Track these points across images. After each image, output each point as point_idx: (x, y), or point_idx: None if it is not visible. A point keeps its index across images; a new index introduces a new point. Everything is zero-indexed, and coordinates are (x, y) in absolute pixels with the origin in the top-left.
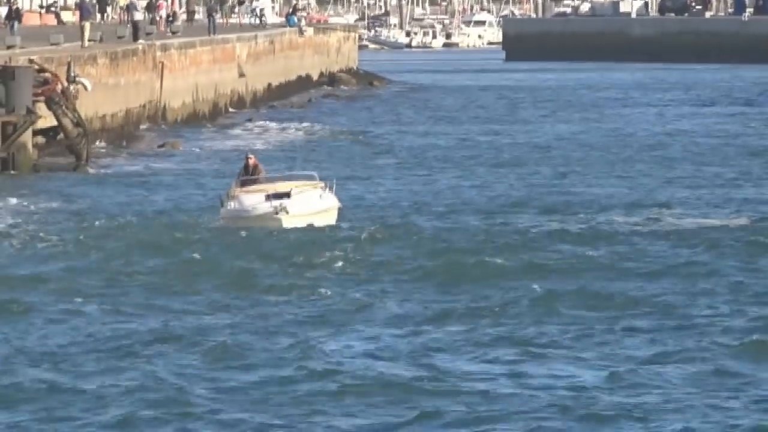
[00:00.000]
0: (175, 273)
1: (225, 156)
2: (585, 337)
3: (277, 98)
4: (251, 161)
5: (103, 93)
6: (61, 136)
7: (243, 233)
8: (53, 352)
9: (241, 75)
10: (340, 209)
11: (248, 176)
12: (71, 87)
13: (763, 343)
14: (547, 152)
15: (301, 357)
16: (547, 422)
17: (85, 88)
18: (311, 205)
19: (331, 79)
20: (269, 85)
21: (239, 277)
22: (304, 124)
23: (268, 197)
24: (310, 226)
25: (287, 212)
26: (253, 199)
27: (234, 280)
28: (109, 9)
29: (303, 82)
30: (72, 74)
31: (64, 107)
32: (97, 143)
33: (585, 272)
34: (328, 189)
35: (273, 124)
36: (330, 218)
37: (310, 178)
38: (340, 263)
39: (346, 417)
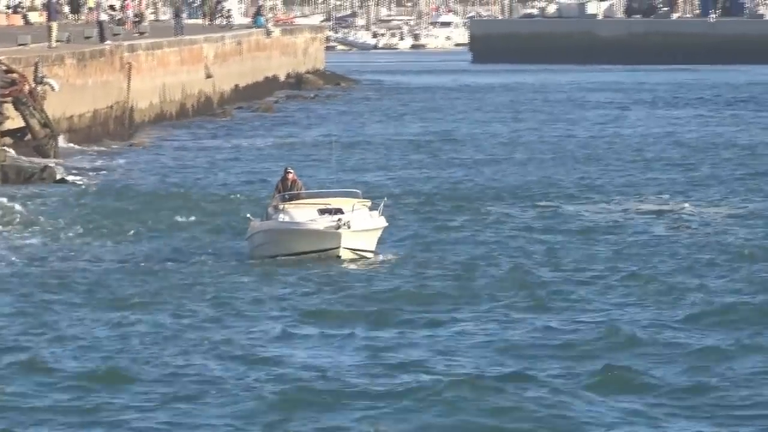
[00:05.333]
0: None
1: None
2: None
3: (244, 99)
4: (290, 176)
5: (70, 94)
6: (28, 136)
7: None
8: None
9: (209, 76)
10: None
11: (290, 191)
12: (39, 88)
13: None
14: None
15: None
16: None
17: (53, 88)
18: (366, 222)
19: (298, 79)
20: (236, 86)
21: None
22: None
23: (322, 212)
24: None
25: (349, 227)
26: (307, 213)
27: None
28: (84, 9)
29: (270, 83)
30: (39, 75)
31: (31, 108)
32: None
33: None
34: (375, 208)
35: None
36: (375, 239)
37: (353, 195)
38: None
39: None
